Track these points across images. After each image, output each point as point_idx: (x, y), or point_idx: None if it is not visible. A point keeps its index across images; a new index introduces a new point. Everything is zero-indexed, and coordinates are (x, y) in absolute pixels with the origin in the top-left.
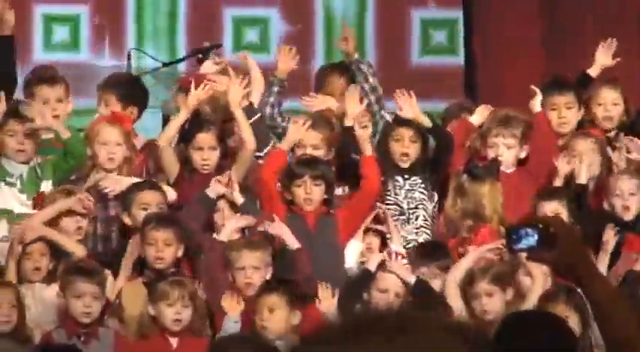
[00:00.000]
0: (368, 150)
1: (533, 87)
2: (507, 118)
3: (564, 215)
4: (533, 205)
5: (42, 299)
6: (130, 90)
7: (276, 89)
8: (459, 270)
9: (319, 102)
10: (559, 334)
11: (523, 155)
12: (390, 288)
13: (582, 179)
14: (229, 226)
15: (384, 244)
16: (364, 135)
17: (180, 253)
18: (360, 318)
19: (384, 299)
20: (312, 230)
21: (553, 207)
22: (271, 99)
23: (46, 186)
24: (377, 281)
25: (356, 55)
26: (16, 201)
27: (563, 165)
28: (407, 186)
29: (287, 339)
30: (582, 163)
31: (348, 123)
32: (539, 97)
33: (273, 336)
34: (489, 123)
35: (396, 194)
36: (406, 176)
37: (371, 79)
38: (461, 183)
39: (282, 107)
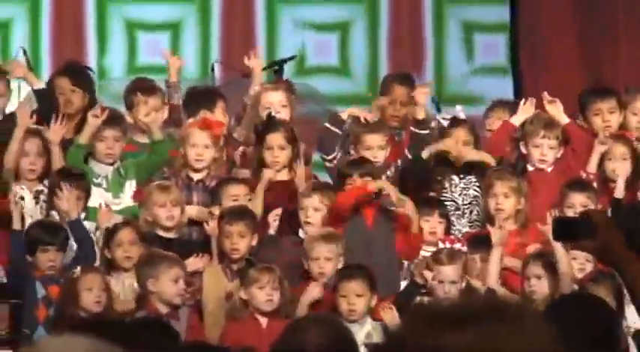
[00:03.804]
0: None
1: (523, 104)
2: (552, 121)
3: (592, 207)
4: (562, 195)
5: (126, 286)
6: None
7: None
8: (492, 275)
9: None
10: (602, 313)
11: (559, 155)
12: (445, 279)
13: (620, 193)
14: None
15: (447, 232)
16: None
17: (254, 242)
18: (457, 308)
19: (441, 289)
20: (369, 226)
21: (582, 200)
22: None
23: (130, 185)
24: (434, 272)
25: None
26: (103, 199)
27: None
28: (462, 185)
29: (360, 321)
30: (620, 178)
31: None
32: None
33: (356, 319)
34: (535, 125)
35: (452, 191)
36: (461, 175)
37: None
38: (488, 181)
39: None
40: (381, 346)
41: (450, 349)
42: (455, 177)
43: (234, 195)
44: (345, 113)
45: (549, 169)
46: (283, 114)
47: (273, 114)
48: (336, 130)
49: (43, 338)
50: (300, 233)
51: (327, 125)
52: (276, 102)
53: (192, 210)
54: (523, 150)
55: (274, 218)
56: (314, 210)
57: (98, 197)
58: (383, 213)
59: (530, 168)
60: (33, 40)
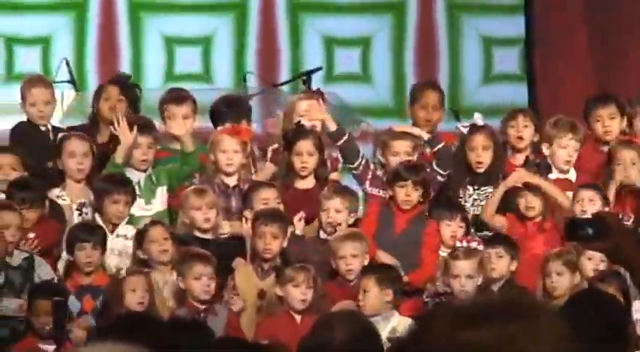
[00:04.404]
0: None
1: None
2: (576, 125)
3: (599, 203)
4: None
5: (168, 284)
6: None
7: None
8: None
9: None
10: (614, 310)
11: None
12: (461, 273)
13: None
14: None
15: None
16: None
17: (285, 244)
18: (475, 306)
19: (458, 283)
20: (397, 232)
21: (590, 194)
22: None
23: (162, 191)
24: (449, 268)
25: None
26: (136, 205)
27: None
28: (475, 195)
29: (385, 315)
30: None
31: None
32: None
33: (369, 313)
34: (561, 128)
35: (465, 201)
36: (476, 186)
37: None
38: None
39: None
40: (402, 341)
41: (468, 346)
42: (470, 188)
43: (265, 198)
44: (332, 125)
45: (572, 169)
46: (317, 123)
47: (302, 122)
48: (346, 136)
49: (82, 348)
50: (321, 234)
51: (339, 143)
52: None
53: (227, 228)
54: (545, 151)
55: (299, 219)
56: (335, 211)
57: None
58: (414, 220)
59: (553, 170)
60: (78, 52)
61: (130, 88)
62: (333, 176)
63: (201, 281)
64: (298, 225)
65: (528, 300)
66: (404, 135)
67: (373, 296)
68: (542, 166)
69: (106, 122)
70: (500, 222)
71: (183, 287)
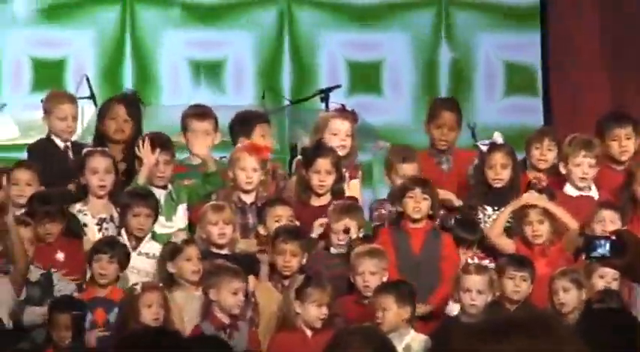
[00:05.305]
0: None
1: None
2: (592, 141)
3: (618, 222)
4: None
5: (192, 300)
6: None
7: None
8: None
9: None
10: (626, 321)
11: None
12: (472, 287)
13: None
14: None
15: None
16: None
17: (304, 261)
18: (498, 321)
19: (468, 297)
20: (416, 251)
21: (611, 215)
22: None
23: (182, 209)
24: (460, 282)
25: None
26: (157, 222)
27: None
28: (494, 216)
29: (400, 332)
30: None
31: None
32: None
33: (387, 330)
34: (575, 146)
35: (484, 222)
36: (496, 207)
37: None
38: (521, 208)
39: None
40: None
41: None
42: (488, 208)
43: (278, 215)
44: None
45: (592, 186)
46: (347, 143)
47: (324, 139)
48: None
49: None
50: (332, 250)
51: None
52: (343, 131)
53: (242, 245)
54: (562, 170)
55: (320, 224)
56: (344, 231)
57: None
58: (429, 235)
59: (570, 191)
60: (108, 68)
61: (136, 107)
62: (354, 183)
63: (238, 296)
64: (316, 230)
65: (547, 316)
66: (410, 157)
67: (392, 313)
68: (546, 192)
69: (112, 141)
70: (507, 243)
71: (214, 299)
